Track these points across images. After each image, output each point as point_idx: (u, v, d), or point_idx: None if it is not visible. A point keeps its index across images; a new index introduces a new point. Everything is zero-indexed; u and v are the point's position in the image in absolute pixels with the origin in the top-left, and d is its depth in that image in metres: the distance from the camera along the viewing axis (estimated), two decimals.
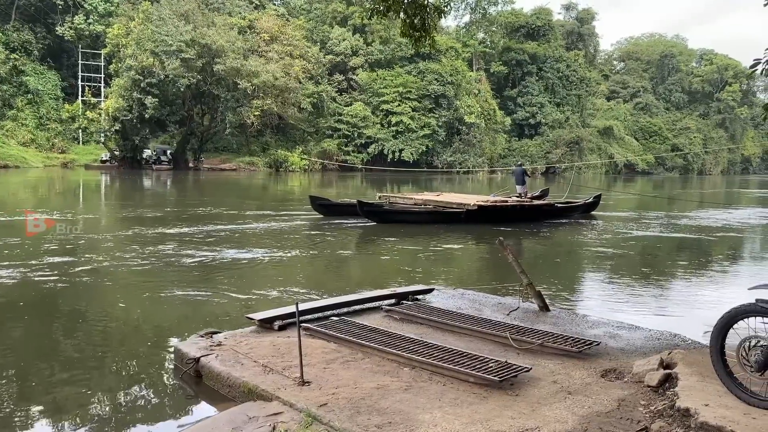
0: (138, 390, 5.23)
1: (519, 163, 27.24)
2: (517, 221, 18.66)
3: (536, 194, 22.71)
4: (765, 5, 6.43)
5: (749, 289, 4.05)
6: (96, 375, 5.56)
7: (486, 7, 77.52)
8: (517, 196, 21.11)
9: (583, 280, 11.47)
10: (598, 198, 22.47)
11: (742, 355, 3.90)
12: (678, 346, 5.54)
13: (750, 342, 3.87)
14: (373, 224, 17.81)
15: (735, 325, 3.98)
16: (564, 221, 19.95)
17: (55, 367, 5.71)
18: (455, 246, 15.03)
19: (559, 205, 20.94)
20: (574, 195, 24.18)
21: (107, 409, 4.85)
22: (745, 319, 3.92)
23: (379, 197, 20.75)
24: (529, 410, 4.07)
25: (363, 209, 18.17)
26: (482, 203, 18.46)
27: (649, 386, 4.44)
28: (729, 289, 10.16)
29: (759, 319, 3.88)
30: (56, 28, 56.48)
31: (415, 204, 19.30)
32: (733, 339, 4.00)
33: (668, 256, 14.43)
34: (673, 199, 32.66)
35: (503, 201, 19.72)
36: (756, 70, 6.06)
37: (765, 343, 3.79)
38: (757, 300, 3.88)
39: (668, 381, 4.40)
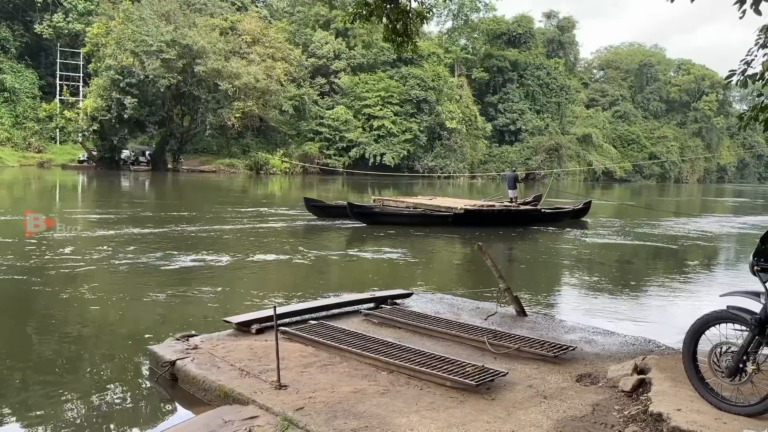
0: (112, 393, 5.16)
1: (513, 168, 27.56)
2: (504, 226, 18.80)
3: (529, 199, 22.88)
4: (741, 17, 6.57)
5: (721, 295, 4.13)
6: (69, 378, 5.48)
7: (468, 13, 78.09)
8: (508, 201, 21.34)
9: (561, 285, 11.57)
10: (588, 204, 22.76)
11: (713, 360, 3.97)
12: (652, 351, 5.61)
13: (721, 348, 3.95)
14: (362, 226, 17.95)
15: (707, 332, 4.05)
16: (550, 227, 20.12)
17: (26, 370, 5.61)
18: (438, 249, 15.10)
19: (547, 211, 21.12)
20: (549, 202, 24.36)
21: (80, 412, 4.78)
22: (717, 326, 4.00)
23: (374, 200, 20.97)
24: (504, 414, 4.10)
25: (353, 211, 18.32)
26: (469, 207, 18.62)
27: (623, 391, 4.49)
28: (702, 295, 10.31)
29: (730, 325, 3.96)
30: (35, 26, 55.68)
31: (406, 207, 19.49)
32: (705, 345, 4.06)
33: (644, 263, 14.63)
34: (650, 208, 33.07)
35: (491, 205, 19.96)
36: (731, 80, 6.19)
37: (735, 349, 3.87)
38: (728, 306, 3.96)
39: (642, 386, 4.45)
